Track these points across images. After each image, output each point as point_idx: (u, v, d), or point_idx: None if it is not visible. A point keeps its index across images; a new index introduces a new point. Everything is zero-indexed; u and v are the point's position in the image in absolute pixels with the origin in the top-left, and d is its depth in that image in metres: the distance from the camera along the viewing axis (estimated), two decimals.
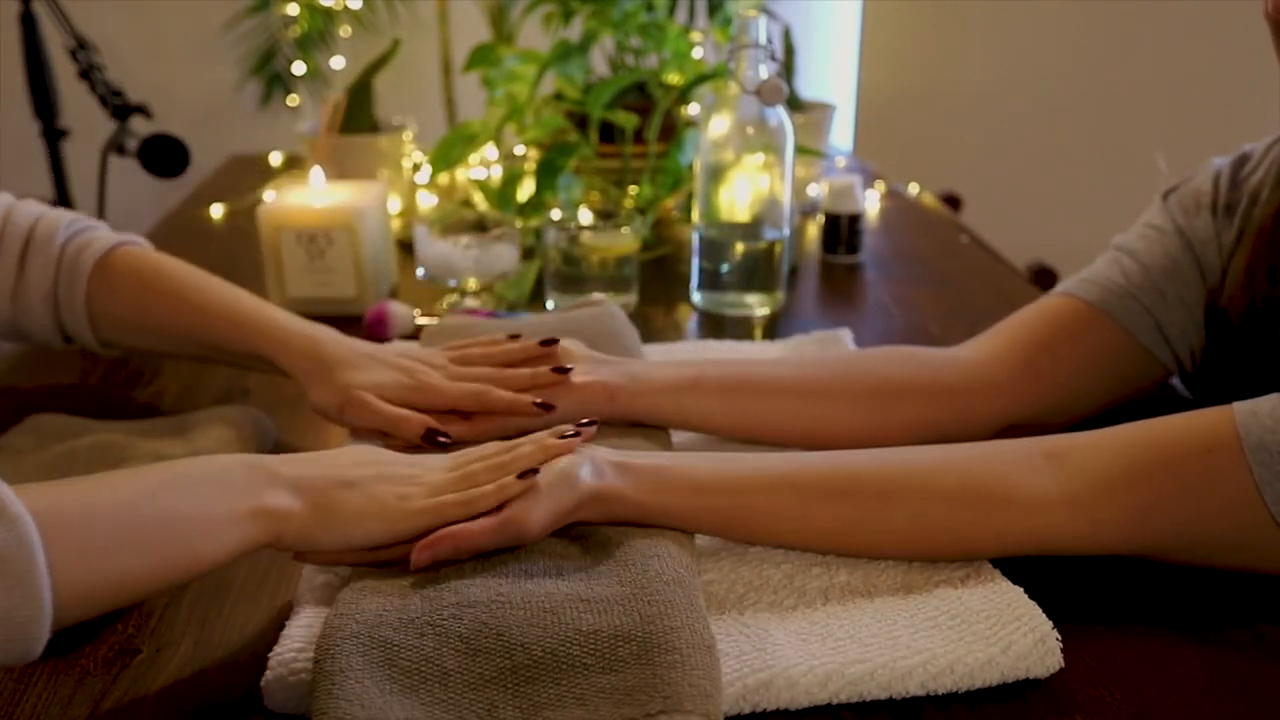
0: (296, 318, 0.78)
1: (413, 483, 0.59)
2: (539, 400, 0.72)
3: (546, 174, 1.22)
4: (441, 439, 0.70)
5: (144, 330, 0.82)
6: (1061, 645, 0.54)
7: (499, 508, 0.58)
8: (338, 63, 2.43)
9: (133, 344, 0.84)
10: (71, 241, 0.81)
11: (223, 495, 0.52)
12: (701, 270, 1.09)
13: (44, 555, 0.43)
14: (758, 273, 1.08)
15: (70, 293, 0.80)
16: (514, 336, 0.78)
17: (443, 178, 1.57)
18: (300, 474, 0.56)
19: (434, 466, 0.61)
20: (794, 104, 1.55)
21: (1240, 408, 0.59)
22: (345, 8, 2.42)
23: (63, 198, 1.72)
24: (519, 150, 1.41)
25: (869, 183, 1.62)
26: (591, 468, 0.60)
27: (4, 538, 0.42)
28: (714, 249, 1.08)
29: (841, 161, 1.78)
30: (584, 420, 0.64)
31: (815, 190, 1.51)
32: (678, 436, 0.76)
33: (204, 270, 0.82)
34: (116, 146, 1.48)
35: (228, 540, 0.52)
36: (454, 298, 1.10)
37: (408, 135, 1.47)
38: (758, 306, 1.09)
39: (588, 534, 0.60)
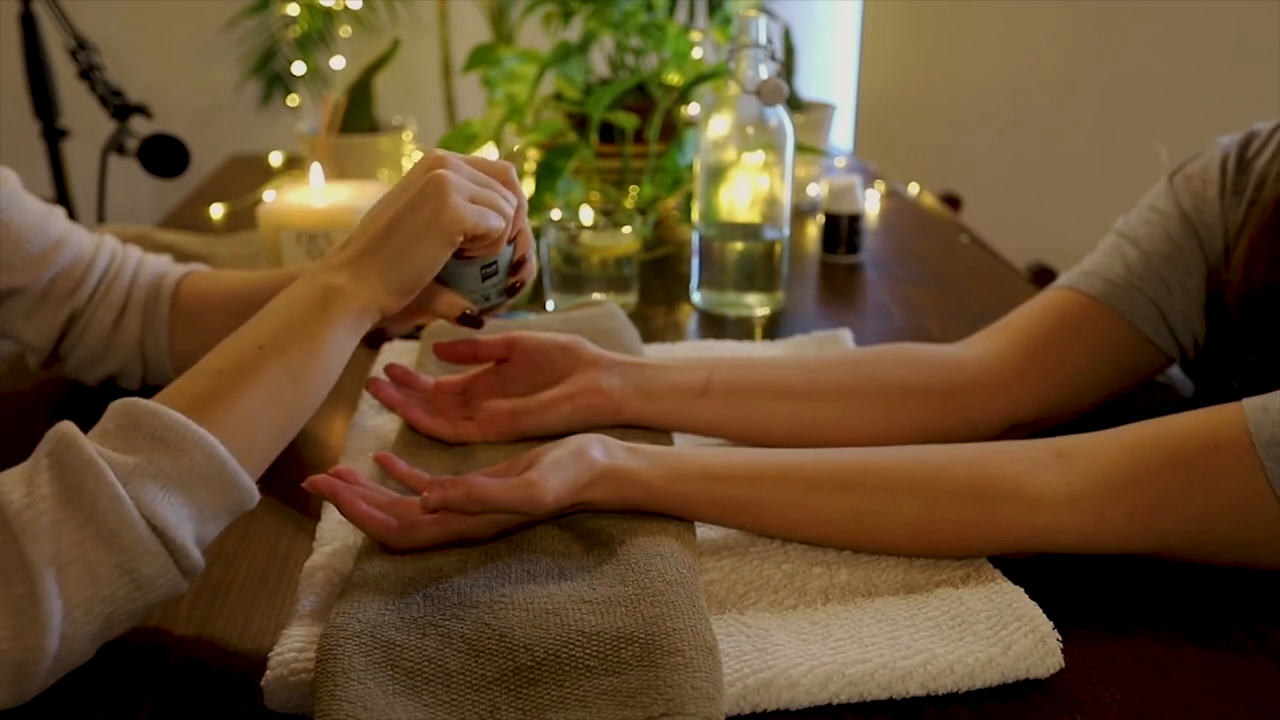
0: None
1: (436, 197, 0.61)
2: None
3: (546, 175, 1.22)
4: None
5: None
6: (1062, 645, 0.54)
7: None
8: (338, 63, 2.42)
9: None
10: (142, 283, 0.84)
11: (319, 319, 0.59)
12: (701, 270, 1.09)
13: (233, 460, 0.53)
14: (758, 273, 1.08)
15: (155, 338, 0.84)
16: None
17: None
18: (357, 259, 0.61)
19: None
20: (794, 104, 1.54)
21: (1250, 404, 0.59)
22: (345, 8, 2.42)
23: (63, 198, 1.72)
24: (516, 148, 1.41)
25: (869, 183, 1.62)
26: (603, 448, 0.61)
27: (201, 461, 0.52)
28: (714, 249, 1.08)
29: (841, 161, 1.78)
30: None
31: (815, 190, 1.51)
32: (683, 435, 0.76)
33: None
34: (116, 146, 1.47)
35: (348, 349, 0.60)
36: None
37: (408, 135, 1.47)
38: (758, 306, 1.09)
39: (591, 532, 0.60)
